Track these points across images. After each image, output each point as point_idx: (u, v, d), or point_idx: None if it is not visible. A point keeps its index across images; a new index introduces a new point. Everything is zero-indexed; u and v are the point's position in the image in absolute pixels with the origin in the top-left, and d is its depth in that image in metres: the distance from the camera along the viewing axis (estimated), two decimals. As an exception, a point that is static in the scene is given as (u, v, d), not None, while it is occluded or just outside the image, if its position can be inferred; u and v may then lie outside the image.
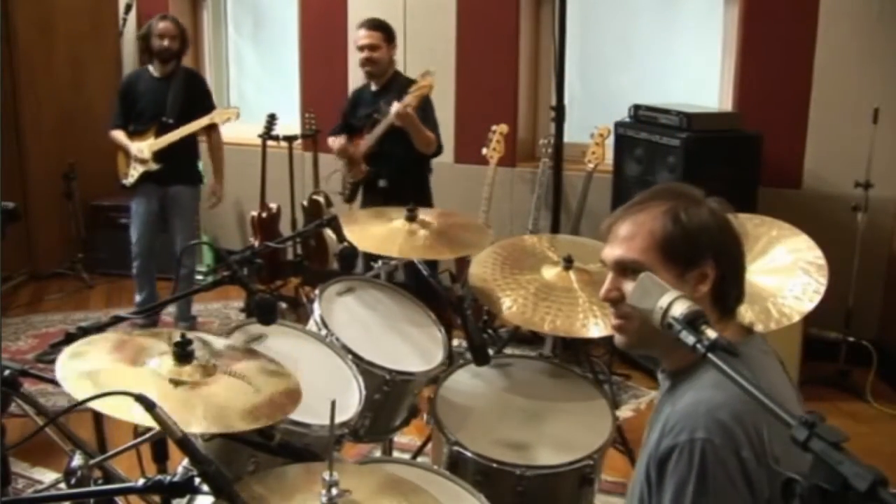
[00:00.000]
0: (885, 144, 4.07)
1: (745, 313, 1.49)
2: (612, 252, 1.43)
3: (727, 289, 1.40)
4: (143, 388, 1.36)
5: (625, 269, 1.40)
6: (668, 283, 1.25)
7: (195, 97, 4.61)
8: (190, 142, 4.68)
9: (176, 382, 1.53)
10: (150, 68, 4.63)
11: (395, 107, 3.82)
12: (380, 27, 4.11)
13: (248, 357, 1.75)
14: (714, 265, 1.37)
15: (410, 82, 4.00)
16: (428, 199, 4.19)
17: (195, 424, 1.44)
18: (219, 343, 1.78)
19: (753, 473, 1.24)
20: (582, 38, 4.94)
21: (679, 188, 1.47)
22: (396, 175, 4.13)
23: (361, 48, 4.09)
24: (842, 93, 4.29)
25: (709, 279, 1.37)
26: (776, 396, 1.03)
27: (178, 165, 4.61)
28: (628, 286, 1.37)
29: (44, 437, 1.65)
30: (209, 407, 1.50)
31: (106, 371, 1.53)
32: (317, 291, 2.39)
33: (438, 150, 4.12)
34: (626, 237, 1.40)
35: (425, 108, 3.99)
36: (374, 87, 4.21)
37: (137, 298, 4.76)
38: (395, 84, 4.14)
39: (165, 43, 4.49)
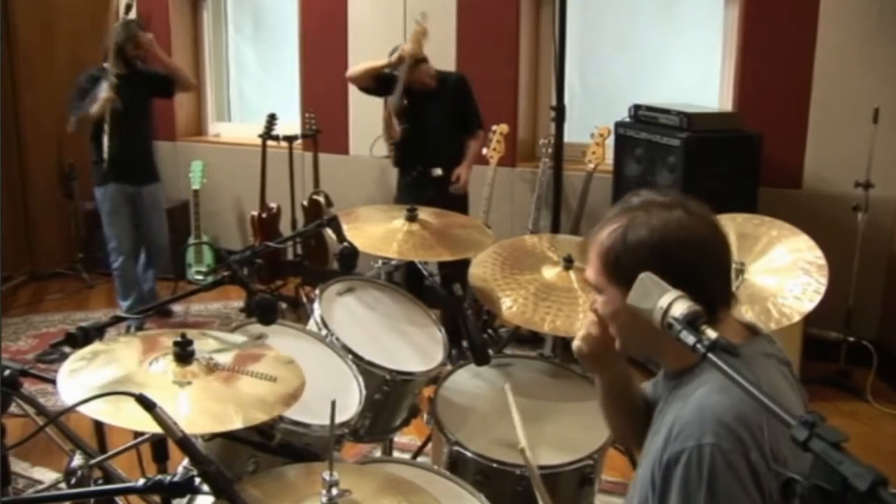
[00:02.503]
0: (885, 144, 4.07)
1: (746, 313, 1.48)
2: (585, 271, 1.48)
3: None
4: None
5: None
6: (620, 301, 1.29)
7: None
8: (148, 142, 4.87)
9: (179, 385, 1.54)
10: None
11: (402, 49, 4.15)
12: None
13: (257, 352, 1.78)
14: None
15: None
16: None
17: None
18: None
19: (763, 476, 1.22)
20: (582, 38, 4.93)
21: (642, 198, 1.41)
22: (452, 165, 4.30)
23: None
24: (842, 93, 4.29)
25: None
26: (778, 397, 1.03)
27: (146, 162, 4.79)
28: (598, 302, 1.44)
29: (44, 437, 1.65)
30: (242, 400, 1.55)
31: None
32: (317, 291, 2.39)
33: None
34: (589, 258, 1.44)
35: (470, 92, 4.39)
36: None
37: (125, 304, 4.77)
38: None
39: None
